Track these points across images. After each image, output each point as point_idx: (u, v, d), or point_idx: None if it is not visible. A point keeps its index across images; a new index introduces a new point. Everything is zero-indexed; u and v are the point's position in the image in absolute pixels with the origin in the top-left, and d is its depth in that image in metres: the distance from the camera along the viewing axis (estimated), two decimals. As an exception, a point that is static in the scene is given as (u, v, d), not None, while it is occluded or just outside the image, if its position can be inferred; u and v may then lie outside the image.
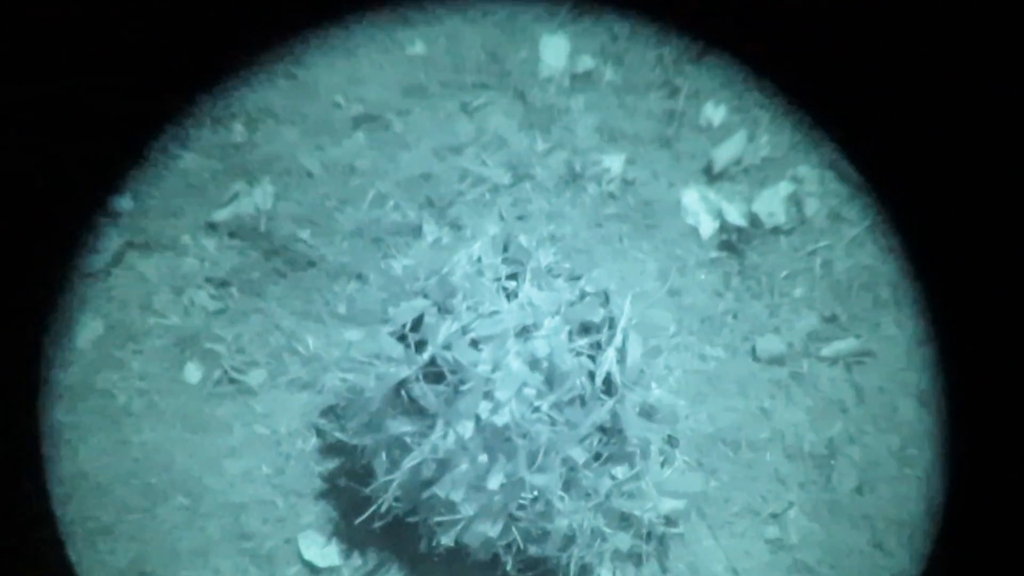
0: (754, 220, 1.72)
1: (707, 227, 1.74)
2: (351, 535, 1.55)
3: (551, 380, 1.36)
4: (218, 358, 1.67)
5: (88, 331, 1.68)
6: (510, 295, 1.42)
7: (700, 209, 1.75)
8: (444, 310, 1.38)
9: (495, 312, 1.37)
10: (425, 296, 1.39)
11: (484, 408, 1.34)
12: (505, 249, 1.46)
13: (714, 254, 1.73)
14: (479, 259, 1.43)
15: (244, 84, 1.83)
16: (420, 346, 1.37)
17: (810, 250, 1.70)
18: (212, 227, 1.75)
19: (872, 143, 1.64)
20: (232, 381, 1.66)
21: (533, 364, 1.36)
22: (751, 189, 1.75)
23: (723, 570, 1.56)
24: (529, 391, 1.35)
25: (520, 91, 1.83)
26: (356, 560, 1.56)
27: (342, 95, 1.83)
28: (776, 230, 1.72)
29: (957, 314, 1.55)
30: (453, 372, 1.34)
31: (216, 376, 1.66)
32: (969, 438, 1.54)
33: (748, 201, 1.74)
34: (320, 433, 1.63)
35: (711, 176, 1.77)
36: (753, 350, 1.67)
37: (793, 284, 1.70)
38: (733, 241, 1.72)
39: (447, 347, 1.35)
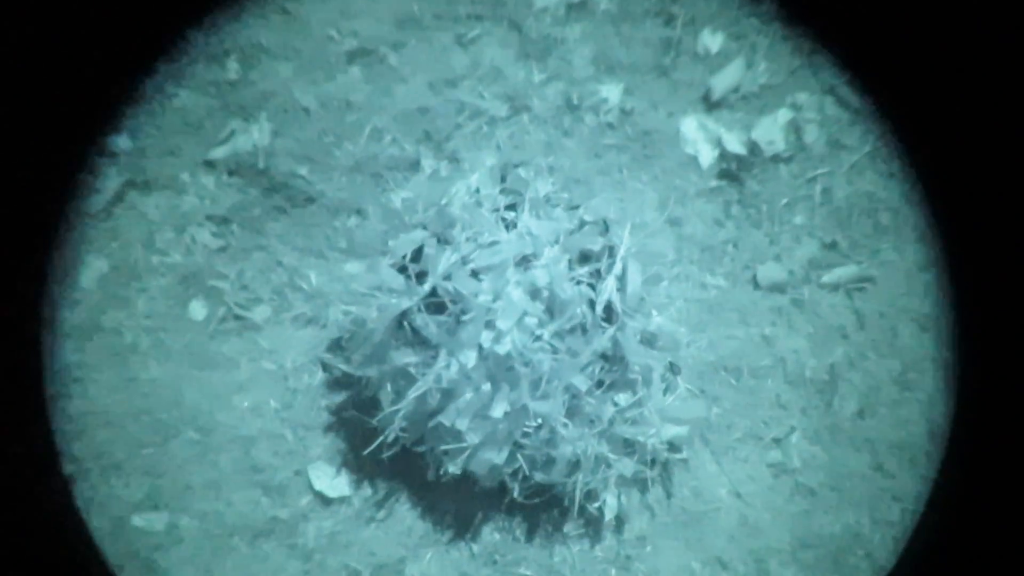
0: (753, 148, 1.69)
1: (706, 156, 1.72)
2: (360, 465, 1.56)
3: (552, 309, 1.35)
4: (222, 295, 1.66)
5: (92, 271, 1.67)
6: (509, 225, 1.40)
7: (699, 138, 1.72)
8: (443, 241, 1.37)
9: (494, 242, 1.36)
10: (424, 228, 1.38)
11: (486, 337, 1.33)
12: (503, 180, 1.44)
13: (714, 183, 1.71)
14: (477, 190, 1.41)
15: (236, 20, 1.79)
16: (421, 277, 1.36)
17: (810, 177, 1.68)
18: (210, 165, 1.73)
19: (874, 64, 1.61)
20: (237, 318, 1.65)
21: (534, 293, 1.35)
22: (750, 117, 1.72)
23: (727, 494, 1.56)
24: (530, 320, 1.34)
25: (515, 22, 1.79)
26: (366, 489, 1.56)
27: (335, 29, 1.79)
28: (775, 158, 1.69)
29: (960, 237, 1.53)
30: (454, 302, 1.33)
31: (221, 313, 1.66)
32: (970, 360, 1.54)
33: (747, 129, 1.71)
34: (326, 367, 1.63)
35: (709, 104, 1.74)
36: (754, 278, 1.65)
37: (793, 212, 1.68)
38: (732, 169, 1.70)
39: (447, 278, 1.34)
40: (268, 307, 1.66)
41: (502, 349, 1.31)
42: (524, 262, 1.35)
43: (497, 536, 1.53)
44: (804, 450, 1.57)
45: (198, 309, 1.66)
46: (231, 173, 1.73)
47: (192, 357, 1.63)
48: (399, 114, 1.75)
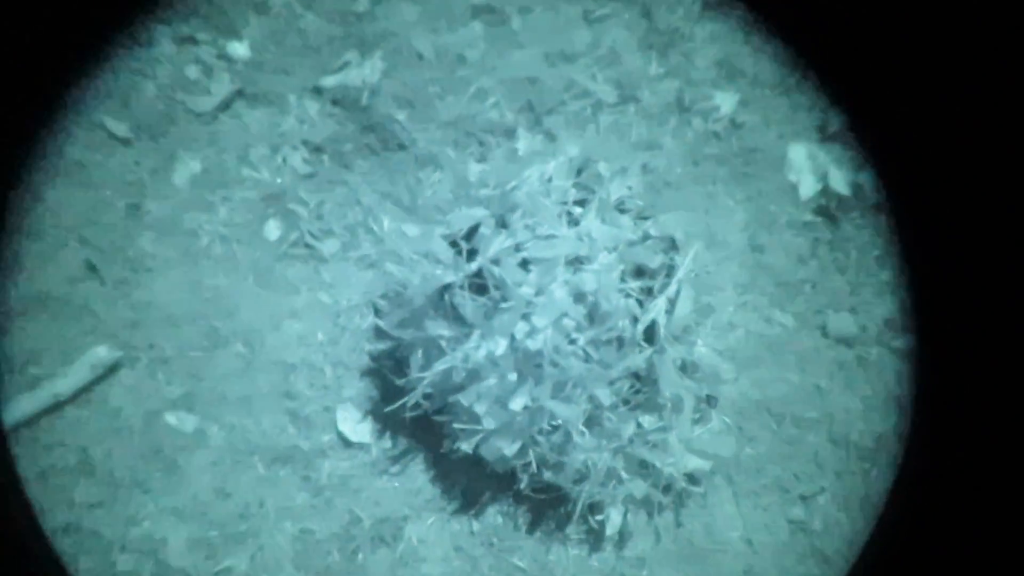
0: (858, 191, 1.55)
1: (808, 187, 1.58)
2: (385, 418, 1.52)
3: (593, 316, 1.26)
4: (298, 221, 1.63)
5: (187, 169, 1.66)
6: (572, 222, 1.31)
7: (805, 167, 1.59)
8: (502, 224, 1.29)
9: (551, 236, 1.27)
10: (486, 205, 1.30)
11: (520, 329, 1.26)
12: (578, 174, 1.35)
13: (808, 217, 1.58)
14: (550, 179, 1.32)
15: (377, -47, 1.73)
16: (471, 255, 1.29)
17: (909, 234, 1.53)
18: (318, 91, 1.69)
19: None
20: (307, 246, 1.62)
21: (578, 297, 1.26)
22: (863, 158, 1.57)
23: (738, 539, 1.46)
24: (568, 322, 1.26)
25: (647, 7, 1.68)
26: (386, 442, 1.52)
27: (469, -19, 1.72)
28: (879, 206, 1.54)
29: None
30: (497, 288, 1.26)
31: (293, 238, 1.63)
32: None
33: (857, 169, 1.56)
34: (378, 313, 1.58)
35: (824, 135, 1.59)
36: (824, 325, 1.53)
37: (883, 266, 1.53)
38: (831, 208, 1.56)
39: (496, 261, 1.26)
40: (338, 242, 1.63)
41: (533, 345, 1.24)
42: (576, 263, 1.27)
43: (500, 520, 1.48)
44: (829, 514, 1.46)
45: (273, 229, 1.63)
46: (335, 103, 1.68)
47: (257, 274, 1.61)
48: (508, 79, 1.67)
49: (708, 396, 1.39)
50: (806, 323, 1.53)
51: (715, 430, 1.42)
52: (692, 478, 1.41)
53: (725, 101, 1.62)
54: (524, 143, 1.62)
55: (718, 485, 1.47)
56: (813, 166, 1.58)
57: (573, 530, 1.46)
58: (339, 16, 1.72)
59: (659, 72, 1.64)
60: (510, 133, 1.64)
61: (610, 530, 1.41)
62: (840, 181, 1.55)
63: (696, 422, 1.39)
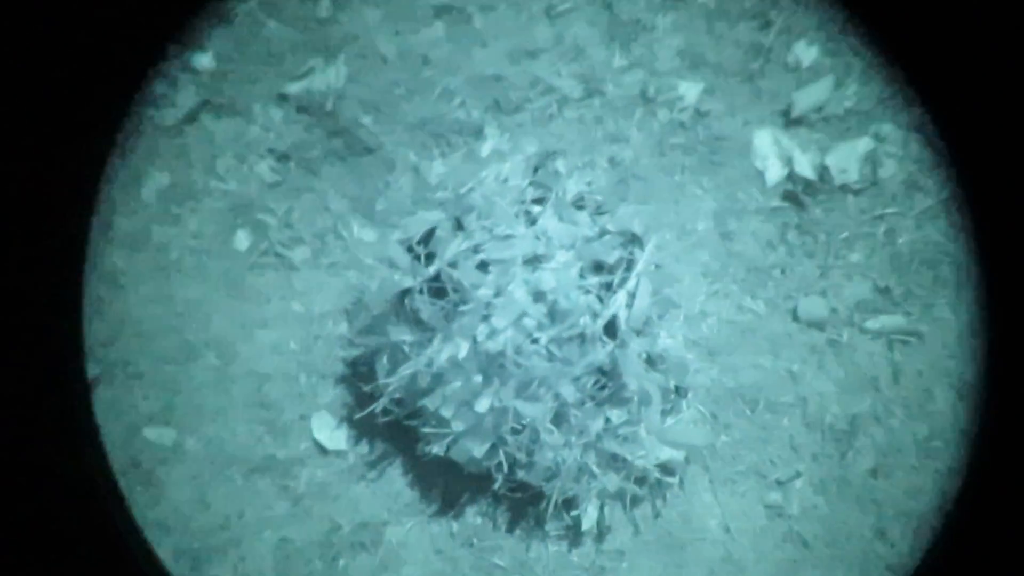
0: (824, 174, 1.53)
1: (774, 173, 1.56)
2: (360, 424, 1.51)
3: (553, 314, 1.25)
4: (267, 230, 1.62)
5: (154, 183, 1.65)
6: (530, 221, 1.30)
7: (771, 153, 1.57)
8: (458, 226, 1.28)
9: (508, 236, 1.26)
10: (441, 208, 1.29)
11: (481, 331, 1.25)
12: (535, 172, 1.33)
13: (775, 203, 1.56)
14: (506, 179, 1.31)
15: (337, -42, 1.72)
16: (428, 259, 1.28)
17: (877, 215, 1.51)
18: (283, 98, 1.68)
19: (964, 109, 1.41)
20: (277, 255, 1.61)
21: (537, 296, 1.25)
22: (828, 140, 1.55)
23: (716, 526, 1.45)
24: (529, 322, 1.25)
25: (608, 1, 1.65)
26: (362, 448, 1.51)
27: (429, -19, 1.70)
28: (845, 188, 1.52)
29: (1014, 307, 1.35)
30: (455, 290, 1.25)
31: (263, 247, 1.62)
32: (1000, 440, 1.36)
33: (822, 152, 1.54)
34: (350, 320, 1.57)
35: (788, 120, 1.57)
36: (794, 310, 1.51)
37: (851, 248, 1.51)
38: (798, 192, 1.54)
39: (453, 264, 1.25)
40: (308, 249, 1.62)
41: (495, 346, 1.23)
42: (534, 262, 1.25)
43: (479, 520, 1.47)
44: (806, 498, 1.44)
45: (242, 239, 1.62)
46: (300, 110, 1.67)
47: (228, 285, 1.60)
48: (472, 78, 1.65)
49: (677, 387, 1.37)
50: (777, 308, 1.52)
51: (688, 420, 1.41)
52: (666, 469, 1.40)
53: (689, 90, 1.60)
54: (491, 142, 1.60)
55: (694, 474, 1.46)
56: (778, 151, 1.56)
57: (552, 527, 1.45)
58: (302, 22, 1.71)
59: (623, 64, 1.62)
60: (478, 132, 1.62)
61: (586, 524, 1.40)
62: (806, 165, 1.53)
63: (667, 413, 1.38)
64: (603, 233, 1.28)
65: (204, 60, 1.71)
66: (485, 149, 1.59)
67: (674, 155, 1.60)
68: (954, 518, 1.37)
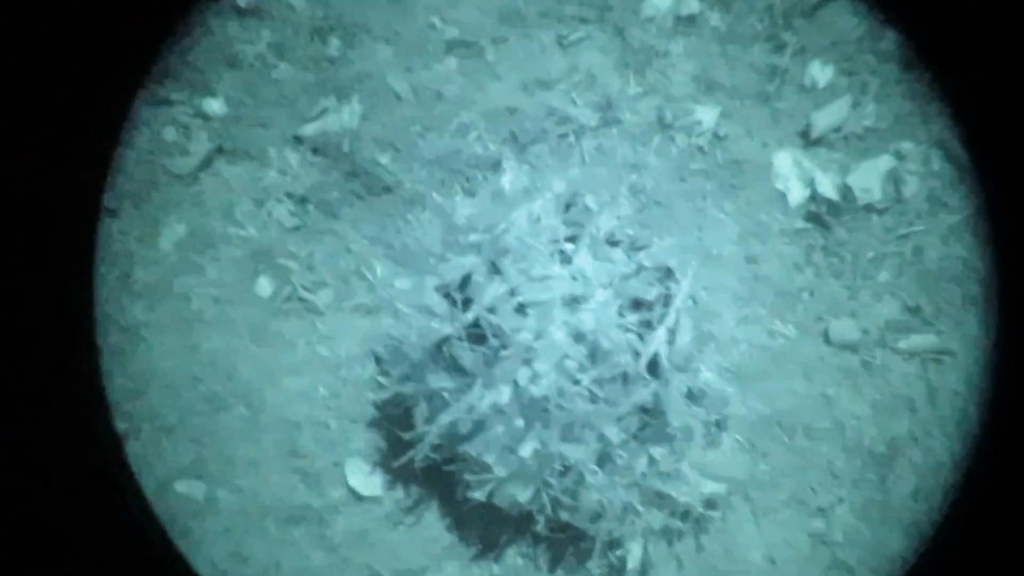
0: (847, 194, 1.51)
1: (796, 195, 1.55)
2: (395, 469, 1.48)
3: (594, 355, 1.23)
4: (289, 274, 1.60)
5: (172, 233, 1.62)
6: (565, 260, 1.28)
7: (791, 175, 1.55)
8: (494, 270, 1.25)
9: (545, 277, 1.24)
10: (477, 252, 1.26)
11: (523, 375, 1.22)
12: (567, 209, 1.31)
13: (799, 224, 1.54)
14: (538, 219, 1.29)
15: (344, -3, 1.70)
16: (466, 304, 1.25)
17: (902, 233, 1.50)
18: (298, 141, 1.65)
19: (991, 124, 1.40)
20: (300, 299, 1.59)
21: (578, 337, 1.23)
22: (849, 160, 1.54)
23: (760, 558, 1.43)
24: (570, 364, 1.22)
25: (620, 28, 1.64)
26: (398, 492, 1.49)
27: (439, 16, 1.68)
28: (869, 207, 1.51)
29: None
30: (495, 336, 1.23)
31: (286, 292, 1.59)
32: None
33: (844, 172, 1.53)
34: (378, 361, 1.55)
35: (808, 141, 1.56)
36: (825, 332, 1.49)
37: (879, 267, 1.50)
38: (821, 213, 1.53)
39: (492, 309, 1.23)
40: (331, 292, 1.59)
41: (538, 391, 1.21)
42: (573, 302, 1.23)
43: (520, 561, 1.44)
44: (849, 524, 1.42)
45: (265, 285, 1.60)
46: (316, 152, 1.64)
47: (252, 332, 1.58)
48: (488, 111, 1.63)
49: (717, 420, 1.36)
50: (807, 332, 1.50)
51: (728, 452, 1.39)
52: (709, 503, 1.38)
53: (706, 115, 1.58)
54: (510, 175, 1.58)
55: (735, 505, 1.44)
56: (799, 173, 1.54)
57: (594, 565, 1.43)
58: (312, 63, 1.69)
59: (638, 91, 1.60)
60: (495, 166, 1.60)
61: (631, 564, 1.38)
62: (828, 186, 1.52)
63: (707, 446, 1.36)
64: (640, 269, 1.26)
65: (215, 105, 1.68)
66: (505, 183, 1.57)
67: (694, 180, 1.58)
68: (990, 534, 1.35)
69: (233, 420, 1.53)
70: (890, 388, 1.46)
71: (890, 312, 1.48)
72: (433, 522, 1.47)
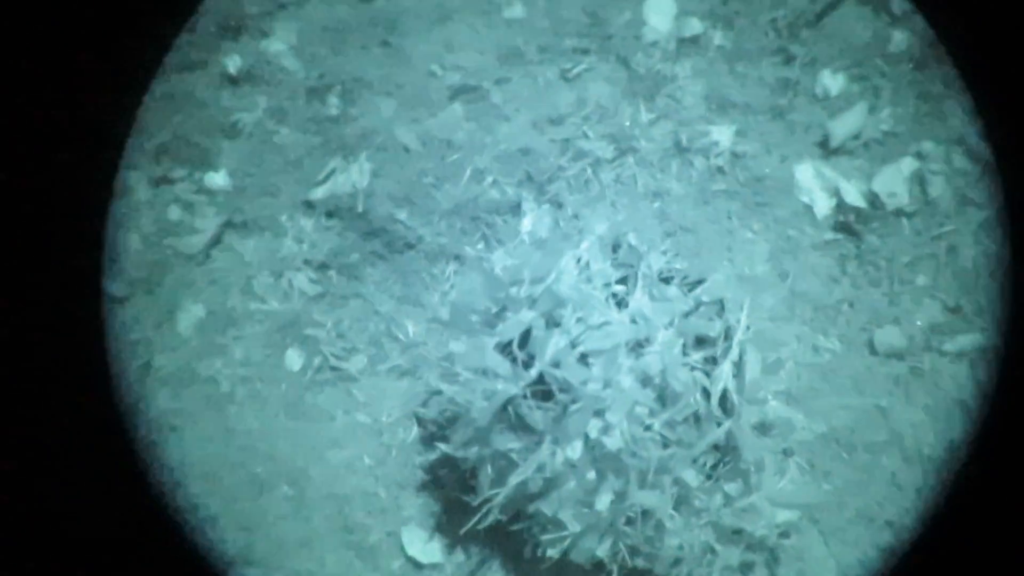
0: (874, 200, 1.53)
1: (822, 206, 1.56)
2: (454, 531, 1.46)
3: (664, 398, 1.23)
4: (318, 344, 1.57)
5: (190, 315, 1.59)
6: (620, 303, 1.27)
7: (815, 186, 1.57)
8: (551, 323, 1.25)
9: (605, 323, 1.23)
10: (531, 306, 1.26)
11: (593, 426, 1.21)
12: (614, 251, 1.31)
13: (829, 236, 1.56)
14: (587, 264, 1.28)
15: (337, 52, 1.68)
16: (528, 361, 1.24)
17: (934, 234, 1.52)
18: (309, 206, 1.63)
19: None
20: (332, 368, 1.56)
21: (645, 381, 1.22)
22: (871, 166, 1.56)
23: (834, 578, 1.43)
24: (641, 409, 1.22)
25: (623, 56, 1.65)
26: (459, 557, 1.47)
27: (438, 63, 1.67)
28: (898, 212, 1.53)
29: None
30: (562, 390, 1.22)
31: (317, 363, 1.57)
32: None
33: (868, 179, 1.55)
34: (421, 422, 1.53)
35: (827, 151, 1.58)
36: (871, 342, 1.50)
37: (915, 271, 1.52)
38: (850, 222, 1.54)
39: (556, 364, 1.22)
40: (364, 357, 1.57)
41: (612, 444, 1.20)
42: (636, 347, 1.23)
43: (594, 611, 1.43)
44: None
45: (294, 358, 1.57)
46: (330, 215, 1.63)
47: (287, 408, 1.55)
48: (501, 154, 1.62)
49: (784, 448, 1.36)
50: (852, 344, 1.51)
51: (794, 476, 1.40)
52: (784, 532, 1.38)
53: (722, 134, 1.59)
54: (531, 217, 1.58)
55: (803, 529, 1.44)
56: (823, 184, 1.56)
57: (672, 606, 1.42)
58: (314, 124, 1.67)
59: (650, 118, 1.61)
60: (515, 209, 1.60)
61: (713, 602, 1.38)
62: (853, 194, 1.54)
63: (777, 475, 1.36)
64: (698, 304, 1.27)
65: (218, 179, 1.65)
66: (530, 223, 1.57)
67: (718, 202, 1.59)
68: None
69: (279, 502, 1.51)
70: (942, 392, 1.47)
71: (932, 315, 1.50)
72: (500, 582, 1.46)
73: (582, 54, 1.66)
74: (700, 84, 1.62)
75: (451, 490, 1.46)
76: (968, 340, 1.48)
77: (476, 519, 1.33)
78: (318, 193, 1.63)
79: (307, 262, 1.61)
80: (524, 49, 1.66)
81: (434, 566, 1.47)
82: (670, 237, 1.57)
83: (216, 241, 1.62)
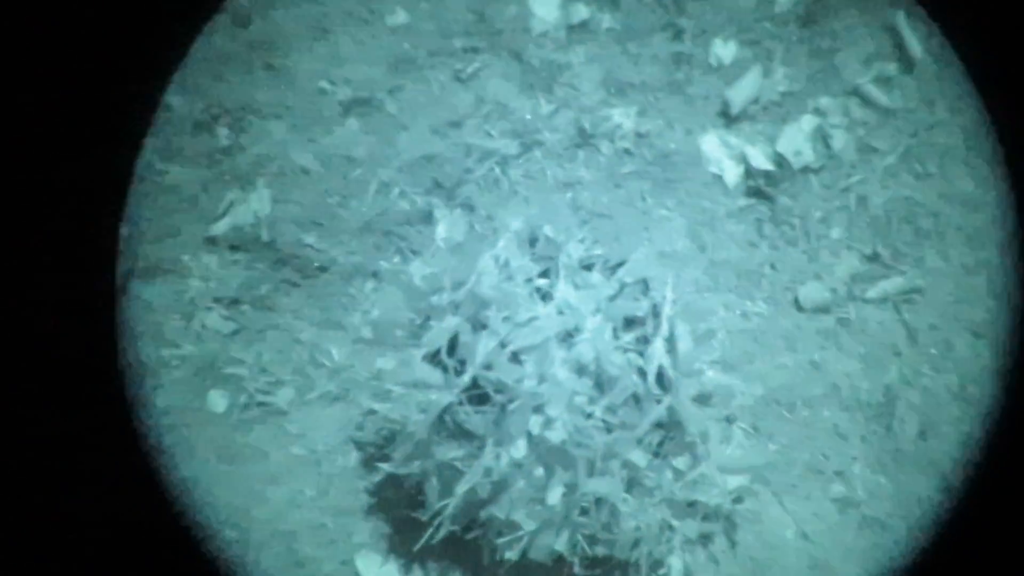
0: (780, 161, 1.58)
1: (732, 174, 1.60)
2: (408, 549, 1.46)
3: (601, 384, 1.24)
4: (241, 382, 1.55)
5: (102, 370, 1.56)
6: (545, 296, 1.29)
7: (722, 156, 1.60)
8: (478, 325, 1.25)
9: (532, 319, 1.24)
10: (455, 311, 1.26)
11: (535, 423, 1.22)
12: (532, 245, 1.32)
13: (742, 202, 1.59)
14: (506, 262, 1.29)
15: (219, 80, 1.66)
16: (459, 367, 1.25)
17: (843, 187, 1.57)
18: (212, 242, 1.61)
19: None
20: (260, 404, 1.55)
21: (580, 370, 1.24)
22: (773, 128, 1.60)
23: (793, 536, 1.47)
24: (580, 399, 1.23)
25: (515, 50, 1.66)
26: (417, 575, 1.46)
27: (326, 79, 1.66)
28: (805, 169, 1.57)
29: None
30: (498, 391, 1.22)
31: (242, 401, 1.55)
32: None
33: (771, 141, 1.59)
34: (359, 446, 1.52)
35: (729, 118, 1.61)
36: (796, 300, 1.55)
37: (829, 225, 1.56)
38: (761, 186, 1.58)
39: (488, 366, 1.22)
40: (291, 389, 1.56)
41: (555, 436, 1.21)
42: (566, 337, 1.24)
43: (562, 608, 1.44)
44: (868, 480, 1.48)
45: (218, 400, 1.55)
46: (234, 249, 1.61)
47: (218, 452, 1.53)
48: (404, 164, 1.63)
49: (727, 416, 1.39)
50: (779, 304, 1.55)
51: (740, 443, 1.43)
52: (737, 497, 1.41)
53: (624, 116, 1.62)
54: (445, 223, 1.58)
55: (757, 492, 1.47)
56: (729, 152, 1.60)
57: (637, 590, 1.44)
58: (204, 157, 1.65)
59: (550, 109, 1.63)
60: (427, 218, 1.60)
61: (676, 578, 1.40)
62: (760, 157, 1.58)
63: (722, 442, 1.39)
64: (622, 287, 1.29)
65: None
66: (445, 230, 1.57)
67: (629, 184, 1.62)
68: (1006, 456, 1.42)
69: (224, 547, 1.48)
70: (871, 338, 1.52)
71: (851, 265, 1.55)
72: (463, 595, 1.46)
73: (473, 53, 1.66)
74: (595, 69, 1.65)
75: (399, 509, 1.45)
76: (889, 284, 1.53)
77: (429, 534, 1.32)
78: (219, 228, 1.61)
79: (217, 300, 1.58)
80: (413, 55, 1.66)
81: (394, 588, 1.46)
82: (586, 224, 1.59)
83: (121, 291, 1.58)
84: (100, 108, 1.56)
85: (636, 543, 1.33)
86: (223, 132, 1.65)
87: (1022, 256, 1.49)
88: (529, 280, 1.28)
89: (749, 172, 1.59)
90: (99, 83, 1.52)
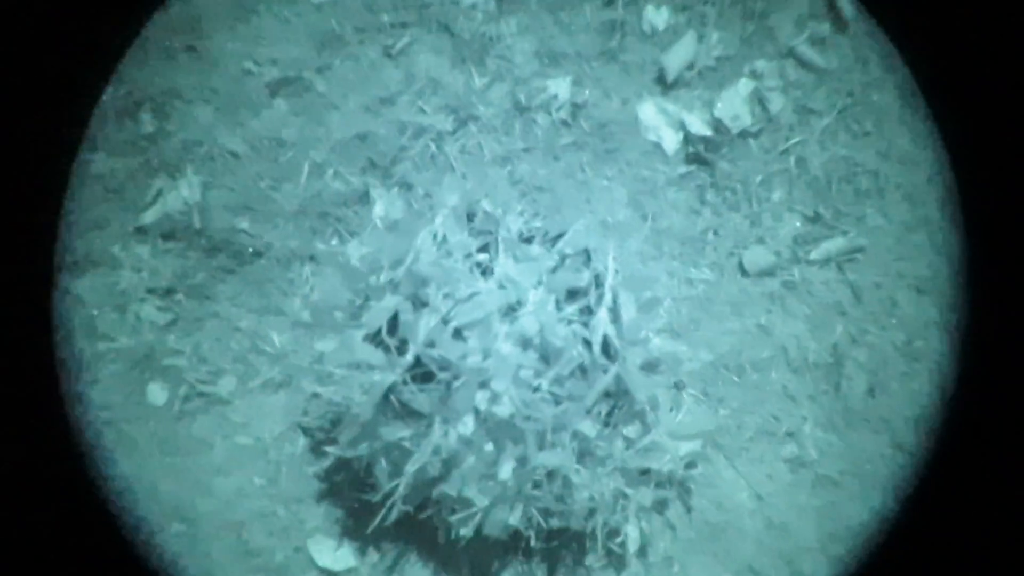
0: (718, 126, 1.60)
1: (671, 141, 1.62)
2: (362, 533, 1.47)
3: (546, 356, 1.26)
4: (180, 373, 1.55)
5: (35, 369, 1.54)
6: (485, 271, 1.30)
7: (660, 123, 1.62)
8: (419, 303, 1.26)
9: (474, 294, 1.26)
10: (395, 290, 1.27)
11: (481, 399, 1.24)
12: (470, 220, 1.33)
13: (683, 169, 1.61)
14: (444, 238, 1.30)
15: (141, 66, 1.64)
16: (401, 346, 1.26)
17: (782, 149, 1.59)
18: (142, 231, 1.60)
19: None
20: (201, 395, 1.54)
21: (524, 343, 1.25)
22: (710, 93, 1.62)
23: (747, 498, 1.50)
24: (526, 372, 1.25)
25: (444, 23, 1.66)
26: (372, 557, 1.48)
27: (251, 60, 1.65)
28: (743, 134, 1.60)
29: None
30: (442, 369, 1.23)
31: (183, 392, 1.54)
32: (975, 320, 1.48)
33: (709, 106, 1.61)
34: (306, 431, 1.53)
35: (665, 85, 1.63)
36: (740, 265, 1.57)
37: (770, 188, 1.59)
38: (700, 152, 1.61)
39: (430, 344, 1.23)
40: (232, 377, 1.55)
41: (502, 411, 1.22)
42: (509, 311, 1.26)
43: (519, 583, 1.47)
44: (819, 439, 1.52)
45: (157, 392, 1.54)
46: (166, 238, 1.60)
47: (161, 445, 1.52)
48: (337, 144, 1.62)
49: (676, 382, 1.42)
50: (724, 270, 1.58)
51: (690, 407, 1.46)
52: (690, 463, 1.44)
53: (559, 87, 1.63)
54: (382, 203, 1.59)
55: (709, 456, 1.50)
56: (667, 119, 1.62)
57: (593, 560, 1.47)
58: (128, 145, 1.63)
59: (484, 82, 1.64)
60: (364, 198, 1.60)
61: (633, 547, 1.42)
62: (698, 123, 1.60)
63: (671, 409, 1.42)
64: (564, 258, 1.30)
65: (38, 219, 1.60)
66: (381, 208, 1.58)
67: (568, 155, 1.63)
68: (956, 411, 1.47)
69: (172, 540, 1.48)
70: (816, 299, 1.56)
71: (793, 227, 1.58)
72: (418, 573, 1.47)
73: (402, 28, 1.66)
74: (527, 40, 1.66)
75: (350, 492, 1.46)
76: (832, 245, 1.56)
77: (382, 515, 1.33)
78: (148, 217, 1.60)
79: (151, 291, 1.57)
80: (340, 32, 1.66)
81: (349, 571, 1.47)
82: (525, 197, 1.60)
83: (51, 287, 1.56)
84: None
85: (591, 513, 1.35)
86: (147, 119, 1.64)
87: (961, 211, 1.52)
88: (468, 255, 1.29)
89: (688, 139, 1.61)
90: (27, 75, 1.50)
